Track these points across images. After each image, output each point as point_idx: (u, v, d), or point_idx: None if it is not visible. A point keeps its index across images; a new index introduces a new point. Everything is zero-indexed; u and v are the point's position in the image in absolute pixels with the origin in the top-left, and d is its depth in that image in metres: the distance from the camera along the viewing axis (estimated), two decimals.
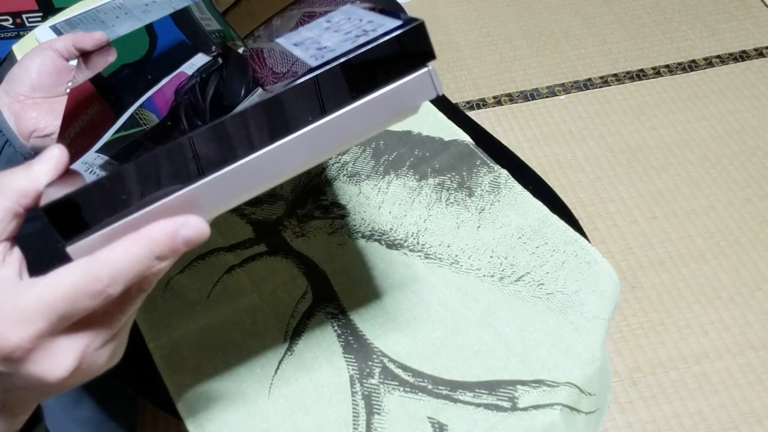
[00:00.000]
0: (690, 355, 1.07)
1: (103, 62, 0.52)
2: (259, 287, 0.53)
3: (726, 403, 1.02)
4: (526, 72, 1.51)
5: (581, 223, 0.58)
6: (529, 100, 1.45)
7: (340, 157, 0.62)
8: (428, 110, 0.65)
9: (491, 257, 0.53)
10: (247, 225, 0.58)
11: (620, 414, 1.01)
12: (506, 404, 0.45)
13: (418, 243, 0.55)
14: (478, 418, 0.45)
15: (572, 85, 1.48)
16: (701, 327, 1.10)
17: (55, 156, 0.29)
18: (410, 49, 0.28)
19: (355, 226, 0.56)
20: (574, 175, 1.31)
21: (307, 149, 0.28)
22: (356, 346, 0.49)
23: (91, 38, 0.54)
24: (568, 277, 0.52)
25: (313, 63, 0.28)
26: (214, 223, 0.34)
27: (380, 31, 0.28)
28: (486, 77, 1.51)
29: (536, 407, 0.45)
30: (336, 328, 0.50)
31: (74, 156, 0.31)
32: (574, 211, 0.58)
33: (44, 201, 0.27)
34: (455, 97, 1.45)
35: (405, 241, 0.55)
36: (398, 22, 0.28)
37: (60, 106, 0.57)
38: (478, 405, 0.45)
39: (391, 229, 0.56)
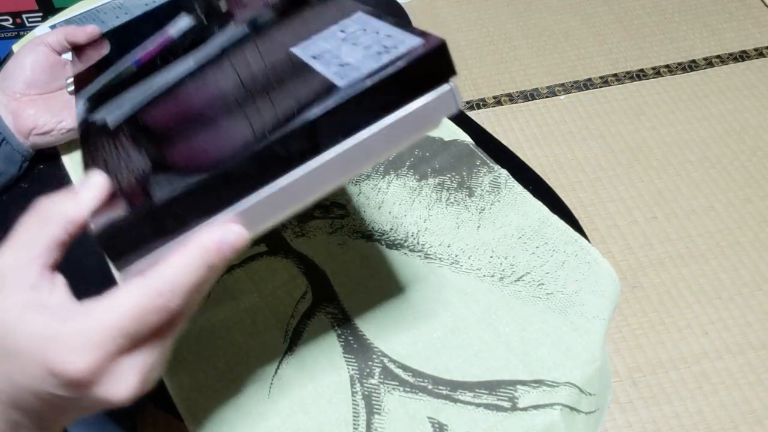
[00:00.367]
0: (690, 355, 1.07)
1: (97, 55, 0.52)
2: (259, 287, 0.53)
3: (726, 403, 1.02)
4: (526, 72, 1.51)
5: (581, 223, 0.58)
6: (529, 100, 1.45)
7: None
8: None
9: (491, 257, 0.53)
10: None
11: (620, 414, 1.01)
12: (506, 404, 0.45)
13: (418, 243, 0.55)
14: (478, 418, 0.45)
15: (572, 85, 1.48)
16: (701, 327, 1.10)
17: (99, 184, 0.29)
18: (434, 68, 0.29)
19: (355, 226, 0.56)
20: (574, 175, 1.31)
21: (338, 170, 0.29)
22: (356, 346, 0.49)
23: (83, 32, 0.54)
24: (568, 277, 0.52)
25: (339, 82, 0.29)
26: None
27: (402, 48, 0.29)
28: (486, 77, 1.51)
29: (536, 407, 0.45)
30: (336, 328, 0.50)
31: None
32: (574, 211, 0.58)
33: (94, 228, 0.27)
34: None
35: (405, 241, 0.55)
36: (419, 40, 0.29)
37: (56, 102, 0.57)
38: (478, 405, 0.46)
39: (391, 229, 0.56)
